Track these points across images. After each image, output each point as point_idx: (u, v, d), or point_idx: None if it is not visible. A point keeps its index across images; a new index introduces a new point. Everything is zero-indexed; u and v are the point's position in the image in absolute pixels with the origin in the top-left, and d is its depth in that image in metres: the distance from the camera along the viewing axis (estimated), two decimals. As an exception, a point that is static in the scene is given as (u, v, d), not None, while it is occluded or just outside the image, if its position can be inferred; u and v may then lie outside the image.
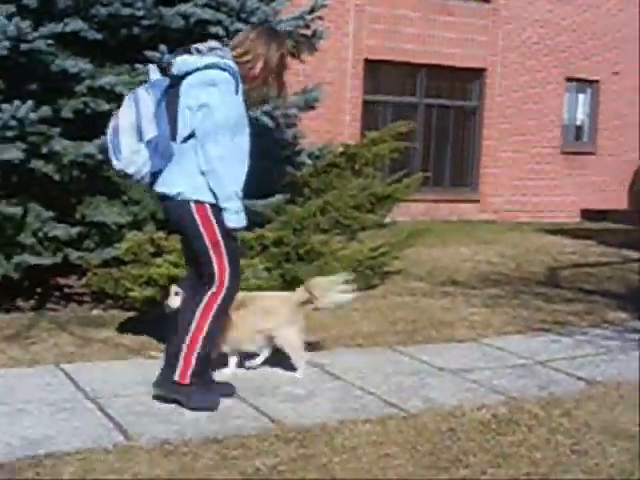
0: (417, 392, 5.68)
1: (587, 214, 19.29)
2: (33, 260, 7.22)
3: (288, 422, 4.95)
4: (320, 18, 8.63)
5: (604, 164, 19.86)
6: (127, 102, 5.16)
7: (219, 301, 5.15)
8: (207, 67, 5.07)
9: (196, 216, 5.08)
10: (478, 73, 18.28)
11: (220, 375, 5.66)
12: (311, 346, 6.70)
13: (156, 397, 5.24)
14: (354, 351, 6.69)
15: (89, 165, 7.31)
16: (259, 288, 7.72)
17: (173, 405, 5.14)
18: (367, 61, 16.92)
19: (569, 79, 19.39)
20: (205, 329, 5.12)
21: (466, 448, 4.68)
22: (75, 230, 7.31)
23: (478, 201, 18.41)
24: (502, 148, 18.60)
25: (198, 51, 5.18)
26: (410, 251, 9.86)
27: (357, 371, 6.08)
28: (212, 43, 5.27)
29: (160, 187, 5.16)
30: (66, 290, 7.86)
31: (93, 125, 7.46)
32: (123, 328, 6.95)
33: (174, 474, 4.17)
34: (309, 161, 9.09)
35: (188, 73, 5.08)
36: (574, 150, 19.63)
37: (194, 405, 5.11)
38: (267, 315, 5.82)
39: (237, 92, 5.12)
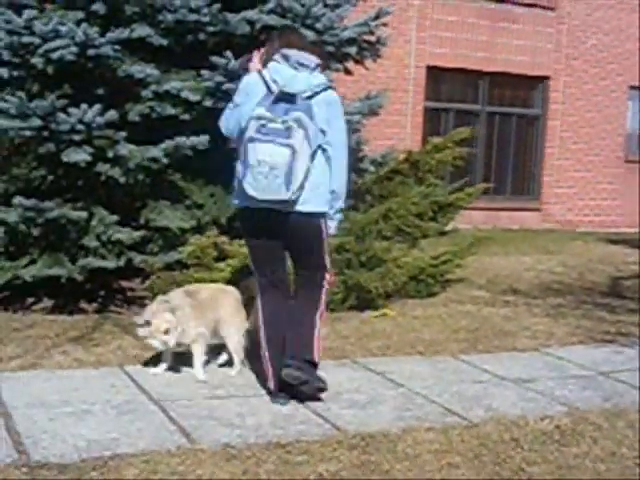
0: (479, 401, 5.64)
1: (650, 224, 19.01)
2: (97, 263, 7.29)
3: (350, 429, 4.95)
4: (384, 25, 8.63)
5: (668, 173, 19.56)
6: (298, 132, 5.02)
7: (325, 293, 5.48)
8: (328, 88, 5.26)
9: (323, 228, 5.37)
10: (541, 81, 18.12)
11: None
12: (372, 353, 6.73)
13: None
14: (415, 359, 6.66)
15: (154, 169, 7.38)
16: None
17: (236, 410, 5.17)
18: (429, 68, 16.86)
19: (633, 87, 19.15)
20: (324, 316, 5.52)
21: (529, 459, 4.64)
22: (139, 234, 7.38)
23: (539, 210, 18.25)
24: (564, 156, 18.42)
25: (301, 64, 5.24)
26: (472, 259, 9.80)
27: (419, 379, 6.06)
28: (314, 59, 5.32)
29: (306, 207, 5.21)
30: (129, 293, 7.92)
31: (159, 129, 7.54)
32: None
33: (237, 477, 4.19)
34: (372, 167, 9.07)
35: (316, 93, 5.17)
36: (637, 159, 19.36)
37: (323, 386, 5.39)
38: None
39: None
